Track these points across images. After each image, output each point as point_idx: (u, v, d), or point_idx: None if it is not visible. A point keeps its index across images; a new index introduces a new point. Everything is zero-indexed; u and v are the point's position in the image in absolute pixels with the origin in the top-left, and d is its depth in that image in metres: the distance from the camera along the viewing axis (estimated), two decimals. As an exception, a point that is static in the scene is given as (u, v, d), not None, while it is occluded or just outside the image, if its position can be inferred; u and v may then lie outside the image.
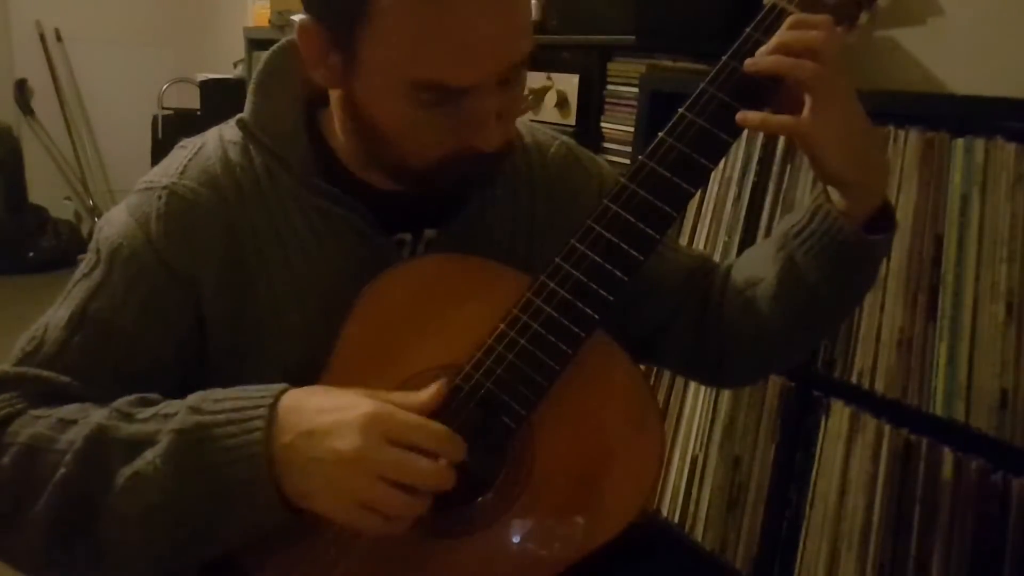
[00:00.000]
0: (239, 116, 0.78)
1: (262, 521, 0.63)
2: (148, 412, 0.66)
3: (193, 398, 0.66)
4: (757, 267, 0.82)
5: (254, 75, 0.79)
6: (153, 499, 0.62)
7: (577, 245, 0.70)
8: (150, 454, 0.63)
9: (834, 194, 0.74)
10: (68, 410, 0.68)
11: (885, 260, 1.21)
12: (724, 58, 0.72)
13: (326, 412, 0.62)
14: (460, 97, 0.66)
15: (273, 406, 0.63)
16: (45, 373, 0.70)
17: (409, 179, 0.74)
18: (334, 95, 0.75)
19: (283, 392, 0.64)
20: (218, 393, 0.66)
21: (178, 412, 0.64)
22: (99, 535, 0.64)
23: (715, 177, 1.48)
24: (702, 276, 0.88)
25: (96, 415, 0.66)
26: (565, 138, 0.92)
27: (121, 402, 0.67)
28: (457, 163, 0.70)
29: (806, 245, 0.75)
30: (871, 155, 0.71)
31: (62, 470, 0.64)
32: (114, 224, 0.74)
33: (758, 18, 0.72)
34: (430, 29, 0.62)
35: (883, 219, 0.75)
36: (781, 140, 1.38)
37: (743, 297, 0.82)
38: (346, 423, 0.61)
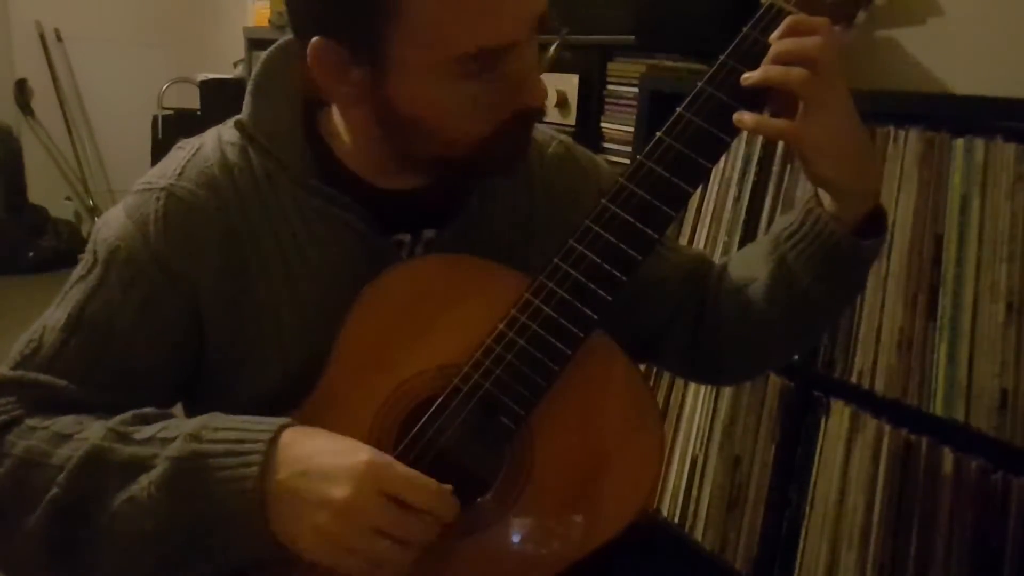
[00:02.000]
0: (237, 118, 0.78)
1: (251, 554, 0.63)
2: (146, 433, 0.66)
3: (193, 424, 0.65)
4: (751, 267, 0.82)
5: (252, 76, 0.78)
6: (145, 525, 0.62)
7: (575, 245, 0.70)
8: (145, 479, 0.63)
9: (825, 198, 0.74)
10: (64, 423, 0.67)
11: (885, 260, 1.21)
12: (722, 57, 0.72)
13: (323, 455, 0.62)
14: (503, 58, 0.66)
15: (272, 441, 0.62)
16: (42, 377, 0.70)
17: (452, 168, 0.74)
18: (348, 113, 0.75)
19: (284, 427, 0.64)
20: (218, 420, 0.65)
21: (176, 438, 0.64)
22: (91, 553, 0.64)
23: (715, 177, 1.48)
24: (700, 276, 0.88)
25: (92, 432, 0.66)
26: (563, 137, 0.92)
27: (117, 421, 0.67)
28: (504, 132, 0.70)
29: (797, 248, 0.75)
30: (863, 160, 0.71)
31: (55, 489, 0.63)
32: (112, 226, 0.74)
33: (756, 17, 0.72)
34: (463, 1, 0.62)
35: (875, 223, 0.75)
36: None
37: (737, 297, 0.82)
38: (342, 469, 0.60)
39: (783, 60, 0.68)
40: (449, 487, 0.63)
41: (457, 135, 0.70)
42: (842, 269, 0.75)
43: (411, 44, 0.64)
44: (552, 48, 0.73)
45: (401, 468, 0.62)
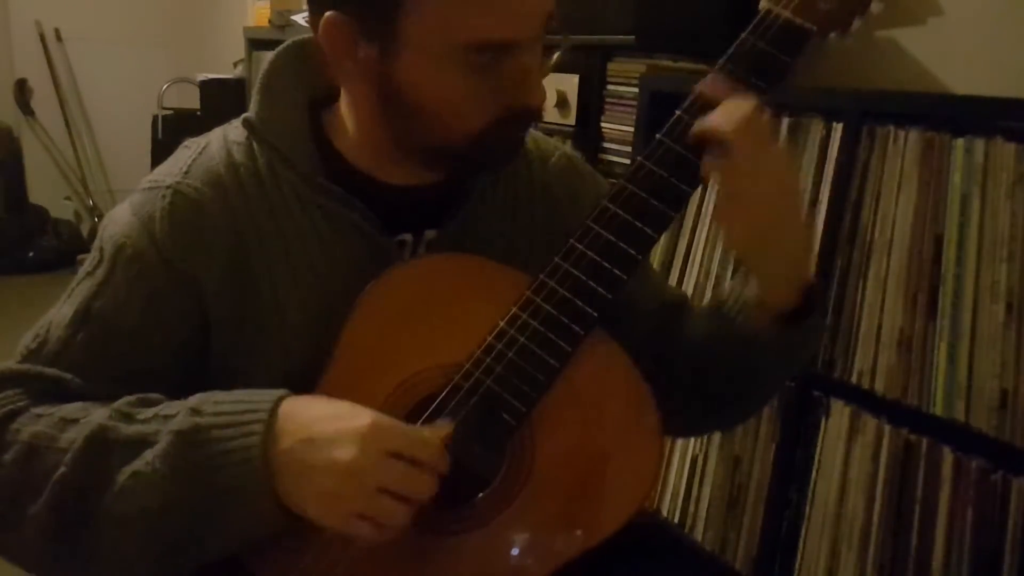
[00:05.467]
0: (244, 115, 0.78)
1: (258, 525, 0.63)
2: (149, 412, 0.66)
3: (194, 399, 0.66)
4: (700, 323, 0.82)
5: (260, 75, 0.79)
6: (150, 500, 0.62)
7: (576, 244, 0.71)
8: (149, 455, 0.63)
9: (751, 276, 0.74)
10: (69, 409, 0.68)
11: (885, 260, 1.21)
12: (720, 62, 0.72)
13: (326, 420, 0.62)
14: (507, 54, 0.67)
15: (273, 411, 0.63)
16: (48, 370, 0.70)
17: (449, 160, 0.74)
18: (352, 91, 0.75)
19: (283, 398, 0.64)
20: (219, 395, 0.66)
21: (178, 413, 0.64)
22: (97, 534, 0.64)
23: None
24: (673, 315, 0.87)
25: (97, 414, 0.66)
26: (568, 149, 0.93)
27: (122, 402, 0.67)
28: (500, 127, 0.71)
29: (727, 319, 0.76)
30: (780, 247, 0.70)
31: (62, 469, 0.64)
32: (118, 223, 0.74)
33: (753, 23, 0.73)
34: None
35: (809, 303, 0.74)
36: (781, 140, 1.38)
37: (685, 347, 0.83)
38: (346, 433, 0.61)
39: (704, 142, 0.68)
40: (446, 429, 0.64)
41: (454, 126, 0.70)
42: (763, 351, 0.75)
43: (420, 26, 0.65)
44: (555, 55, 0.74)
45: (402, 427, 0.63)
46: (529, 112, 0.72)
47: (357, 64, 0.69)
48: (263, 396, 0.64)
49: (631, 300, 0.85)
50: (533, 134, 0.90)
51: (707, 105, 0.69)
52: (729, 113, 0.66)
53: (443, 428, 0.65)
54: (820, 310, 0.75)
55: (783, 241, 0.70)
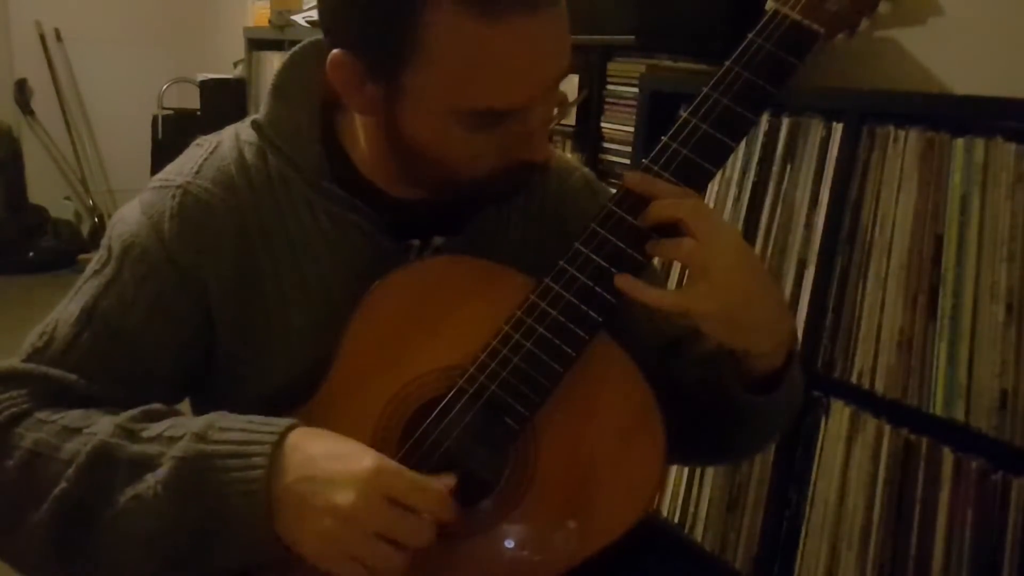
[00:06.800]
0: (254, 117, 0.78)
1: (255, 555, 0.63)
2: (154, 431, 0.66)
3: (200, 423, 0.65)
4: (693, 366, 0.81)
5: (274, 76, 0.78)
6: (150, 523, 0.62)
7: (581, 249, 0.70)
8: (151, 478, 0.63)
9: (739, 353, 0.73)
10: (72, 416, 0.67)
11: (885, 260, 1.22)
12: (727, 63, 0.71)
13: (329, 459, 0.62)
14: (511, 117, 0.66)
15: (278, 443, 0.63)
16: (52, 371, 0.70)
17: (453, 192, 0.74)
18: (362, 118, 0.75)
19: (290, 429, 0.64)
20: (225, 421, 0.65)
21: (183, 437, 0.64)
22: (96, 550, 0.64)
23: (715, 177, 1.48)
24: (671, 351, 0.85)
25: (100, 427, 0.66)
26: (586, 170, 0.92)
27: (125, 417, 0.67)
28: (506, 174, 0.71)
29: (715, 371, 0.75)
30: (758, 327, 0.69)
31: (63, 484, 0.63)
32: (127, 222, 0.74)
33: (761, 24, 0.72)
34: (483, 59, 0.62)
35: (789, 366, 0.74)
36: (781, 140, 1.38)
37: (677, 387, 0.80)
38: (347, 475, 0.60)
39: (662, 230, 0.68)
40: (449, 481, 0.63)
41: (456, 171, 0.70)
42: (737, 414, 0.75)
43: (426, 82, 0.65)
44: (572, 100, 0.73)
45: (405, 473, 0.62)
46: (532, 167, 0.71)
47: (364, 98, 0.69)
48: (269, 427, 0.64)
49: (635, 333, 0.81)
50: (554, 152, 0.89)
51: (640, 199, 0.70)
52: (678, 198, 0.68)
53: (449, 478, 0.64)
54: (797, 365, 0.75)
55: (756, 318, 0.69)
